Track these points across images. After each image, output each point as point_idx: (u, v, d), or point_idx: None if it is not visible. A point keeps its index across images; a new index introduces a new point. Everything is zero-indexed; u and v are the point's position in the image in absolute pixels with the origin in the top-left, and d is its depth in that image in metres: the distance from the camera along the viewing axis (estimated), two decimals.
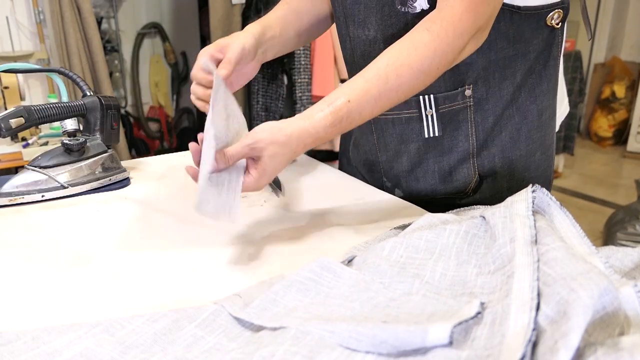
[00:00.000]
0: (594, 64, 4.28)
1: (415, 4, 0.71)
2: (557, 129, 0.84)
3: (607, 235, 2.38)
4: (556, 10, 0.72)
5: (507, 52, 0.73)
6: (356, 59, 0.83)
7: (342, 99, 0.63)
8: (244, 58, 0.76)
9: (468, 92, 0.75)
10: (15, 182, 0.81)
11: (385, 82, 0.63)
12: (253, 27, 0.79)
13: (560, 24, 0.73)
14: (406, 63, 0.63)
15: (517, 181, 0.79)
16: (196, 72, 0.76)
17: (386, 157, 0.86)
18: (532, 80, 0.76)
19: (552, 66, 0.76)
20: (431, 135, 0.79)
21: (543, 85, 0.76)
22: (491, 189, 0.80)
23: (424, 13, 0.71)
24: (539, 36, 0.74)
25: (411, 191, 0.84)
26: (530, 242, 0.49)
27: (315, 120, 0.62)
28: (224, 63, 0.74)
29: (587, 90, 4.29)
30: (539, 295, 0.41)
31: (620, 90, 4.07)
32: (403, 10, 0.72)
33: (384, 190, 0.87)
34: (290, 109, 2.61)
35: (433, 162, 0.81)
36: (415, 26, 0.66)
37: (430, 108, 0.77)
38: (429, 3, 0.70)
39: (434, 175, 0.81)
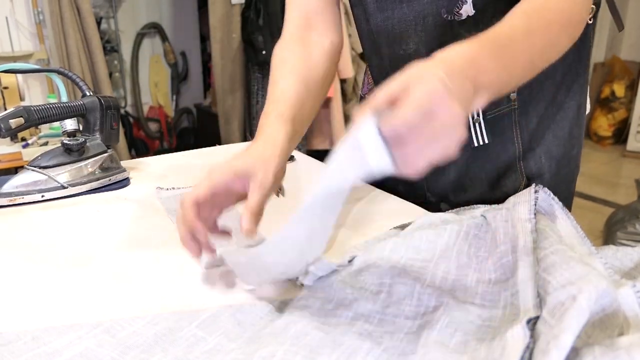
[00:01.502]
0: (593, 63, 4.28)
1: (461, 11, 0.70)
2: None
3: (607, 235, 2.38)
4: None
5: None
6: (391, 76, 0.79)
7: (493, 31, 0.51)
8: (274, 191, 0.61)
9: (513, 96, 0.74)
10: (15, 183, 0.81)
11: (526, 18, 0.53)
12: (283, 128, 0.63)
13: (592, 19, 0.73)
14: (546, 7, 0.54)
15: (560, 177, 0.79)
16: (202, 193, 0.56)
17: (431, 173, 0.84)
18: (570, 76, 0.76)
19: (585, 61, 0.77)
20: (480, 143, 0.76)
21: (579, 80, 0.76)
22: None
23: (469, 20, 0.70)
24: None
25: (459, 203, 0.81)
26: (531, 251, 0.49)
27: (459, 49, 0.49)
28: (249, 213, 0.56)
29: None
30: (540, 308, 0.42)
31: (619, 89, 4.07)
32: (449, 18, 0.71)
33: (427, 205, 0.82)
34: None
35: (480, 171, 0.79)
36: None
37: (477, 115, 0.75)
38: (474, 8, 0.69)
39: (482, 184, 0.80)
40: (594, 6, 0.72)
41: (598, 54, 4.28)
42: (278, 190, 0.85)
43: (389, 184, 0.91)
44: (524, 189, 0.77)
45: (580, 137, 0.80)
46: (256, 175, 0.58)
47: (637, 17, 4.16)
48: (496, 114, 0.76)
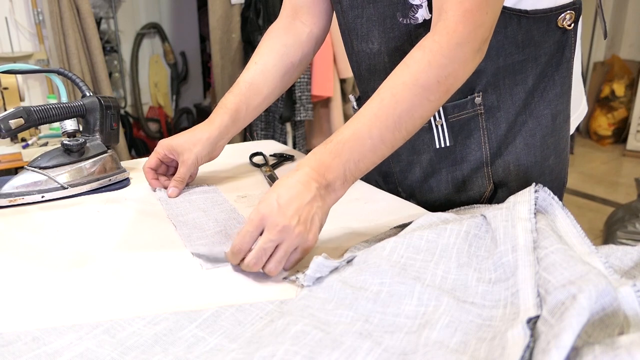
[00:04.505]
0: (593, 62, 4.28)
1: (416, 15, 0.70)
2: (571, 131, 0.81)
3: (607, 234, 2.37)
4: (568, 12, 0.70)
5: (516, 57, 0.71)
6: (362, 73, 0.82)
7: (340, 131, 0.62)
8: (197, 166, 0.85)
9: (478, 100, 0.74)
10: (15, 183, 0.81)
11: (379, 101, 0.61)
12: (220, 119, 0.84)
13: (572, 25, 0.71)
14: (400, 81, 0.61)
15: None
16: (152, 162, 0.85)
17: (399, 168, 0.85)
18: (544, 84, 0.74)
19: (565, 69, 0.74)
20: (442, 145, 0.78)
21: (556, 89, 0.74)
22: (506, 197, 0.79)
23: (426, 23, 0.70)
24: (550, 39, 0.71)
25: (426, 201, 0.83)
26: (531, 250, 0.49)
27: (313, 153, 0.61)
28: (175, 182, 0.83)
29: (587, 89, 4.29)
30: (541, 307, 0.42)
31: (619, 88, 4.07)
32: (405, 22, 0.71)
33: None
34: (289, 108, 2.61)
35: (446, 172, 0.80)
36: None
37: (440, 118, 0.76)
38: (430, 12, 0.69)
39: (448, 185, 0.80)
40: (572, 11, 0.70)
41: (598, 53, 4.27)
42: None
43: (368, 175, 0.94)
44: (490, 194, 0.78)
45: (557, 148, 0.78)
46: (182, 154, 0.83)
47: (637, 17, 4.16)
48: (460, 118, 0.75)
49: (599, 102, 4.21)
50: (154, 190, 0.86)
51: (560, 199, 0.82)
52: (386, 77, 0.63)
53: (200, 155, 0.83)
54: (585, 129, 4.35)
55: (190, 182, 0.88)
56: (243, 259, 0.58)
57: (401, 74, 0.62)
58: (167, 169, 0.88)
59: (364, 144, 0.61)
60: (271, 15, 2.62)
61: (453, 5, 0.61)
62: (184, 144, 0.83)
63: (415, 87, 0.61)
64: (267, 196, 0.58)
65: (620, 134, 4.11)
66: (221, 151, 0.87)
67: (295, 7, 0.88)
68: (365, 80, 0.83)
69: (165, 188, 0.85)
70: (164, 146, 0.84)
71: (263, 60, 0.87)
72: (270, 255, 0.57)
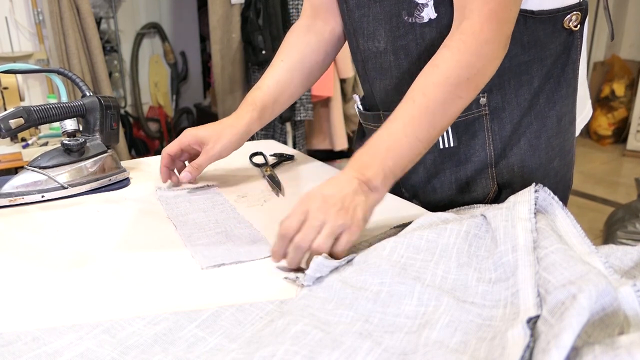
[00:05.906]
0: (593, 62, 4.28)
1: (422, 14, 0.70)
2: (577, 133, 0.81)
3: (607, 234, 2.37)
4: (574, 13, 0.70)
5: (521, 58, 0.71)
6: (368, 72, 0.82)
7: (377, 133, 0.64)
8: (218, 159, 0.85)
9: (483, 101, 0.74)
10: (15, 183, 0.81)
11: (412, 102, 0.63)
12: (249, 116, 0.84)
13: (578, 26, 0.71)
14: (430, 82, 0.63)
15: None
16: (172, 148, 0.85)
17: None
18: (550, 85, 0.73)
19: (571, 70, 0.74)
20: (446, 145, 0.78)
21: (562, 90, 0.74)
22: None
23: (432, 22, 0.70)
24: (556, 40, 0.71)
25: (429, 202, 0.83)
26: (531, 250, 0.49)
27: (353, 157, 0.63)
28: (191, 167, 0.84)
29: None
30: (541, 307, 0.42)
31: (619, 88, 4.07)
32: (410, 21, 0.72)
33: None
34: (289, 108, 2.61)
35: (450, 173, 0.80)
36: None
37: None
38: (436, 11, 0.69)
39: (451, 186, 0.80)
40: (578, 12, 0.70)
41: (598, 53, 4.27)
42: (278, 190, 0.86)
43: None
44: (494, 196, 0.77)
45: (563, 150, 0.77)
46: (207, 144, 0.84)
47: (637, 17, 4.16)
48: (464, 118, 0.75)
49: (599, 102, 4.21)
50: (155, 190, 0.86)
51: (566, 201, 0.82)
52: (392, 75, 0.64)
53: (224, 149, 0.84)
54: (586, 129, 4.34)
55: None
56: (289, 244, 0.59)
57: (431, 74, 0.64)
58: (182, 155, 0.88)
59: (400, 143, 0.63)
60: (271, 15, 2.62)
61: (478, 5, 0.62)
62: (211, 135, 0.84)
63: (446, 85, 0.62)
64: (311, 190, 0.61)
65: (620, 134, 4.11)
66: (242, 146, 0.88)
67: (315, 8, 0.89)
68: (371, 79, 0.83)
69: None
70: (190, 135, 0.84)
71: (288, 59, 0.88)
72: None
